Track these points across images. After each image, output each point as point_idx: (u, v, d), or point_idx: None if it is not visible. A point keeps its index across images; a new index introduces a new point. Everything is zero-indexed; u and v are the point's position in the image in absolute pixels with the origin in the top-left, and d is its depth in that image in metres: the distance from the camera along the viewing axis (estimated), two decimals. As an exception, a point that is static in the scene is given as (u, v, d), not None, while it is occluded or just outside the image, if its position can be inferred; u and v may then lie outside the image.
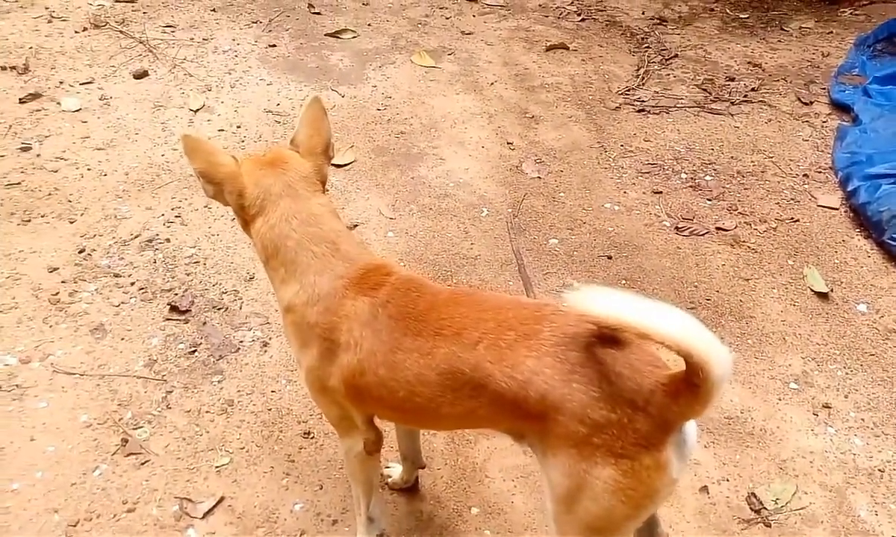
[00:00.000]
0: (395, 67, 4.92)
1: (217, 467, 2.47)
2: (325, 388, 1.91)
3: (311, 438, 2.59)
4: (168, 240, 3.40)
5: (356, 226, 3.58)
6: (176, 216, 3.55)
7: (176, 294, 3.13)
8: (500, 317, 1.72)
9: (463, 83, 4.82)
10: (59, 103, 4.23)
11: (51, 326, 2.93)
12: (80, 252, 3.29)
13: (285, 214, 1.87)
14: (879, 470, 2.60)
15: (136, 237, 3.41)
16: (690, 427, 1.62)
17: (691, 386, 1.48)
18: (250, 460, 2.51)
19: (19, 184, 3.65)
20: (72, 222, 3.46)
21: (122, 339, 2.91)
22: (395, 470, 2.43)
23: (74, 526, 2.26)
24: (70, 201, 3.58)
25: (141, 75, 4.55)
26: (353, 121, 4.35)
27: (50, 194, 3.61)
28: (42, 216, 3.48)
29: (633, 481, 1.56)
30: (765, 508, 2.45)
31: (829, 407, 2.81)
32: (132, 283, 3.17)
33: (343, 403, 1.93)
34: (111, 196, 3.64)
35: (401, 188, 3.86)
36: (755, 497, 2.48)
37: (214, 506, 2.34)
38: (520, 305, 1.78)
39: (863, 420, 2.77)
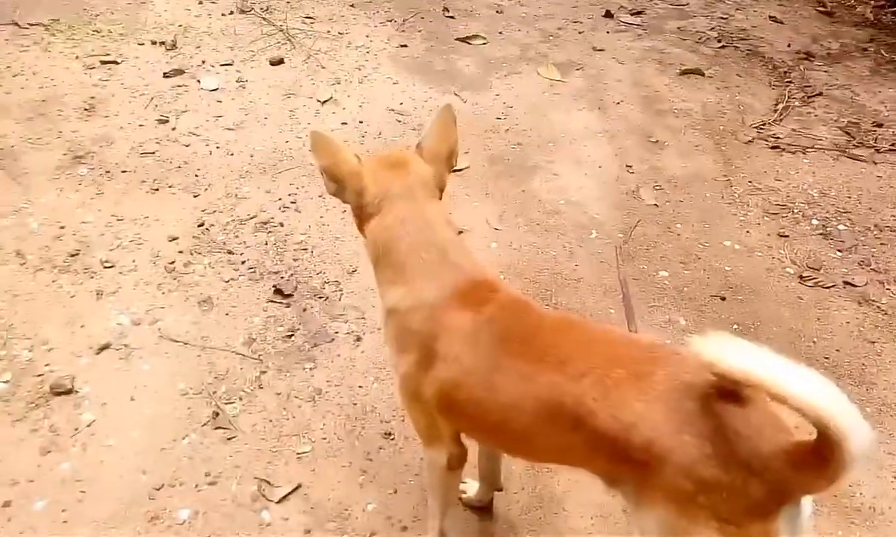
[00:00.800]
0: (521, 77, 4.88)
1: (298, 454, 2.52)
2: (418, 397, 1.88)
3: (392, 439, 2.59)
4: (281, 225, 3.51)
5: (461, 232, 3.56)
6: (291, 202, 3.66)
7: (282, 277, 3.21)
8: (610, 352, 1.64)
9: (588, 100, 4.71)
10: (199, 81, 4.46)
11: (163, 293, 3.08)
12: (200, 225, 3.45)
13: (400, 216, 1.86)
14: None
15: (252, 217, 3.54)
16: (806, 502, 1.48)
17: (820, 459, 1.35)
18: (330, 452, 2.53)
19: (153, 153, 3.87)
20: (196, 196, 3.63)
21: (227, 315, 3.02)
22: (472, 488, 2.39)
23: (159, 489, 2.36)
24: (197, 176, 3.76)
25: (277, 62, 4.73)
26: (472, 127, 4.34)
27: (179, 167, 3.81)
28: (170, 186, 3.67)
29: None
30: (866, 597, 2.24)
31: (954, 498, 2.53)
32: (243, 262, 3.28)
33: (434, 415, 1.90)
34: (235, 175, 3.80)
35: (510, 200, 3.81)
36: (856, 582, 2.27)
37: (290, 493, 2.38)
38: (632, 342, 1.70)
39: None
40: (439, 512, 2.11)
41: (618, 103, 4.71)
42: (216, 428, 2.55)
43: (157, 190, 3.64)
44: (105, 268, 3.14)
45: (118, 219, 3.42)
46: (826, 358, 3.03)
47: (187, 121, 4.14)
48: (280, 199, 3.67)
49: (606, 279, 3.36)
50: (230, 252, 3.33)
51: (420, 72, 4.83)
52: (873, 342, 3.13)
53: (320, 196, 3.69)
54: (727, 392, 1.48)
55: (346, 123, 4.28)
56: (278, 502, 2.35)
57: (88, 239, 3.28)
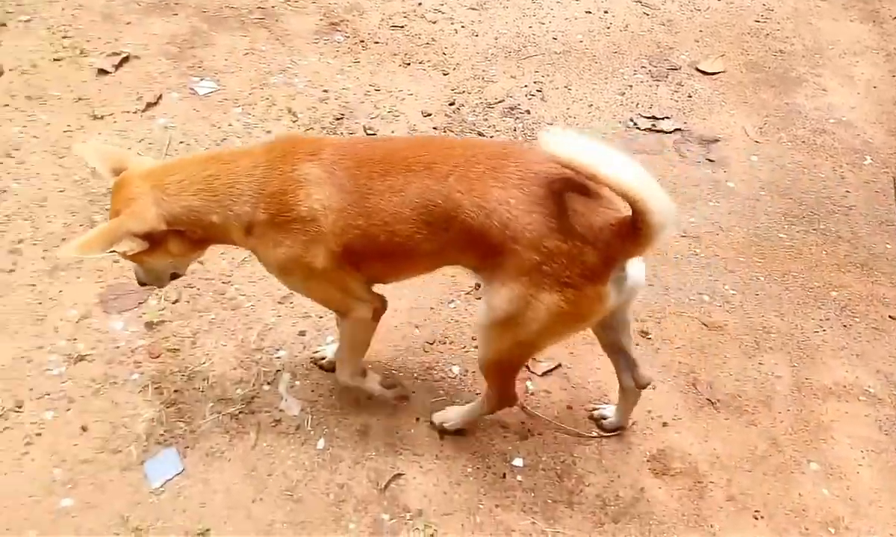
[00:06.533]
0: (783, -22, 4.44)
1: (558, 335, 2.55)
2: (313, 272, 1.87)
3: (649, 338, 2.57)
4: (528, 112, 3.48)
5: (717, 140, 3.37)
6: (538, 90, 3.61)
7: (530, 163, 3.20)
8: (469, 153, 1.80)
9: (860, 10, 4.23)
10: (444, -43, 4.41)
11: (422, 165, 3.17)
12: (451, 104, 3.49)
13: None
14: None
15: (499, 102, 3.53)
16: (636, 267, 1.79)
17: (636, 229, 1.61)
18: (587, 339, 2.52)
19: (402, 27, 3.93)
20: (445, 74, 3.66)
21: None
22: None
23: (431, 343, 2.49)
24: (444, 54, 3.78)
25: (521, -56, 4.58)
26: (727, 28, 4.04)
27: (427, 44, 3.84)
28: (420, 63, 3.72)
29: (573, 308, 1.72)
30: None
31: None
32: (493, 144, 3.30)
33: (342, 277, 1.90)
34: (480, 57, 3.79)
35: (772, 111, 3.54)
36: None
37: (552, 370, 2.44)
38: (487, 144, 1.90)
39: None
40: (357, 358, 2.19)
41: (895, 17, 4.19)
42: (479, 298, 2.64)
43: (409, 64, 3.70)
44: (368, 134, 3.27)
45: (375, 89, 3.52)
46: None
47: (432, -4, 4.14)
48: (526, 86, 3.63)
49: (881, 211, 3.08)
50: (480, 134, 3.35)
51: (671, -35, 4.51)
52: None
53: (566, 87, 3.62)
54: (569, 178, 1.69)
55: (590, 12, 4.12)
56: (541, 375, 2.42)
57: (350, 105, 3.41)
